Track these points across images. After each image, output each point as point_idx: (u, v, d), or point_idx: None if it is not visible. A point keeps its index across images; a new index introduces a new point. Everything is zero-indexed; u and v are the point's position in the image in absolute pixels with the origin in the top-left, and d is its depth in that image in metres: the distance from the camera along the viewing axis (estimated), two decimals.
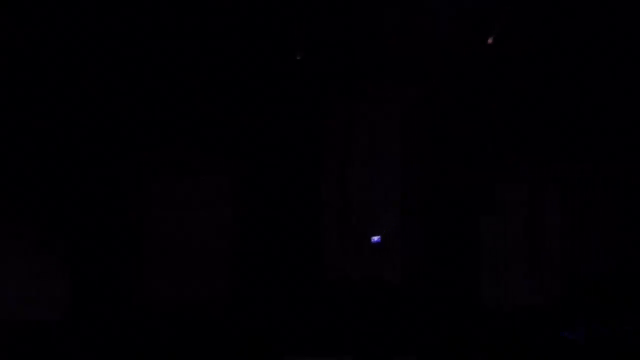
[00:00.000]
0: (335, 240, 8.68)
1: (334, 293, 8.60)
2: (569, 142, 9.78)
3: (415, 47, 9.30)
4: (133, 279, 8.53)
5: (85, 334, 8.41)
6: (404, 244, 8.65)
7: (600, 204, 9.51)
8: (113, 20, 10.86)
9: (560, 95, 10.07)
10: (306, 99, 9.19)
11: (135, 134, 9.53)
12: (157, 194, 8.62)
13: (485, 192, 9.06)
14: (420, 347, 8.07)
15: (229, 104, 9.46)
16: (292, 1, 9.29)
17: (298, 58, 8.98)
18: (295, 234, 8.69)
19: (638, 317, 8.84)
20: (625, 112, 10.61)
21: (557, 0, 10.97)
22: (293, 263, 8.64)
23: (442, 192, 9.11)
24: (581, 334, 8.39)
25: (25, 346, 8.60)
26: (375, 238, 8.78)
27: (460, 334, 8.43)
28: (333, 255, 8.64)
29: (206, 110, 9.49)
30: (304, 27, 9.17)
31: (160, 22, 10.70)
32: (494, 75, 9.74)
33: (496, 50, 9.67)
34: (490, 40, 9.48)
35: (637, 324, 8.66)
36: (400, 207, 8.78)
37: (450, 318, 8.58)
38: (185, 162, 8.93)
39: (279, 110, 9.25)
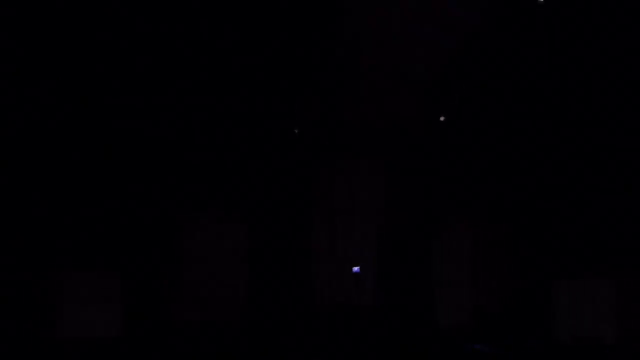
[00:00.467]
0: (324, 272, 11.01)
1: (323, 311, 10.87)
2: (489, 203, 12.00)
3: (378, 131, 11.60)
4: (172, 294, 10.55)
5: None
6: (376, 276, 10.95)
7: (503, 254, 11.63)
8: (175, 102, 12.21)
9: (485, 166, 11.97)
10: (300, 167, 11.32)
11: (181, 198, 11.35)
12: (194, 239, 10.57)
13: (429, 239, 11.33)
14: (386, 349, 9.88)
15: (251, 175, 11.40)
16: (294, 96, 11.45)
17: (296, 131, 11.01)
18: (292, 266, 10.96)
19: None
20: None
21: (498, 90, 12.45)
22: (291, 288, 10.87)
23: (402, 238, 11.38)
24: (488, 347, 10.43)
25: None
26: (356, 268, 11.01)
27: (412, 339, 10.49)
28: (322, 283, 10.96)
29: (233, 180, 11.43)
30: (302, 113, 11.29)
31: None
32: (441, 148, 11.82)
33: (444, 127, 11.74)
34: (442, 118, 11.70)
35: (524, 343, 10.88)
36: (377, 246, 11.06)
37: (406, 327, 10.84)
38: (216, 214, 10.97)
39: (281, 174, 11.30)
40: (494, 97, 12.83)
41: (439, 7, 11.52)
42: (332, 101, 11.78)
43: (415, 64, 12.10)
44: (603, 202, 12.94)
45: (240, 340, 10.75)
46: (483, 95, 12.74)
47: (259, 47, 12.01)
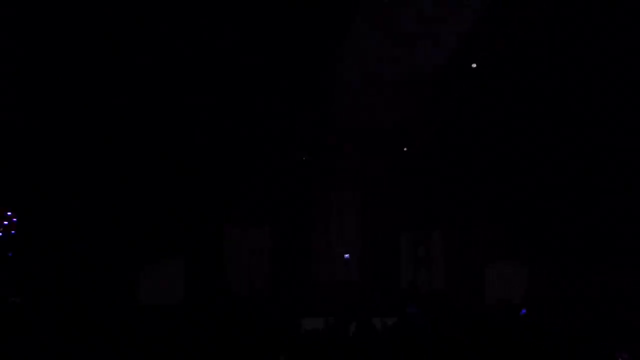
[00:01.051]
0: (323, 259, 15.02)
1: (321, 284, 14.87)
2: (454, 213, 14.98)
3: (359, 170, 15.48)
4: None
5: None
6: (360, 260, 14.95)
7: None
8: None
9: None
10: (306, 191, 15.35)
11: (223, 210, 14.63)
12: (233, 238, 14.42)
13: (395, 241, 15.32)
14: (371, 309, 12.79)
15: (274, 196, 14.86)
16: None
17: (304, 159, 14.57)
18: (301, 256, 15.05)
19: None
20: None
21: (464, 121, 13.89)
22: (301, 270, 14.94)
23: (377, 238, 15.38)
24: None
25: None
26: (347, 256, 14.92)
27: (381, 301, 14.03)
28: (322, 266, 14.93)
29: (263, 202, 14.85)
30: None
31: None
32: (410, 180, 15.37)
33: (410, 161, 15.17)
34: (405, 149, 15.03)
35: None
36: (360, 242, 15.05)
37: (378, 295, 14.52)
38: (247, 220, 14.72)
39: (292, 197, 15.07)
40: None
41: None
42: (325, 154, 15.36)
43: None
44: None
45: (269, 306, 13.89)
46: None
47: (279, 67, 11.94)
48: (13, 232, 14.67)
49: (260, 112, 13.95)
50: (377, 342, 10.02)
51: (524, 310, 12.81)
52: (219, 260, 14.81)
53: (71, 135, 13.06)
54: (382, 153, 15.46)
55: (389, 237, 15.60)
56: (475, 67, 12.83)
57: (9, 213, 14.59)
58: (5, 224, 14.73)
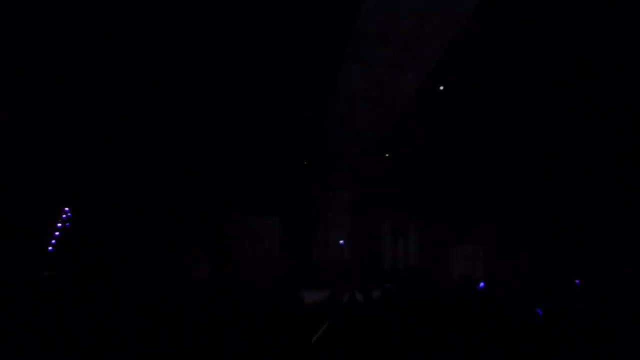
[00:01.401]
0: (320, 246, 15.82)
1: (321, 266, 15.72)
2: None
3: (350, 174, 16.24)
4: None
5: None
6: (351, 247, 15.74)
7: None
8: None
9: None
10: (307, 190, 15.98)
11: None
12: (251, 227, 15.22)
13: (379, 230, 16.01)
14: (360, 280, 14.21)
15: (283, 194, 15.51)
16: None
17: (305, 163, 15.43)
18: (303, 241, 15.80)
19: None
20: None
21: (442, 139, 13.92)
22: (303, 254, 15.64)
23: (364, 228, 16.05)
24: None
25: None
26: (341, 242, 15.88)
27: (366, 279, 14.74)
28: (319, 251, 15.73)
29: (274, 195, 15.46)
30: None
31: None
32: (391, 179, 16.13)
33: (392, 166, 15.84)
34: (386, 155, 15.67)
35: None
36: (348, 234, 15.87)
37: (366, 271, 15.18)
38: (262, 212, 15.48)
39: (296, 196, 15.73)
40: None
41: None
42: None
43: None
44: None
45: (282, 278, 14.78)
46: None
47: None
48: (67, 224, 13.88)
49: (268, 115, 13.60)
50: (362, 308, 10.39)
51: (482, 284, 13.06)
52: (240, 244, 15.51)
53: (73, 134, 12.23)
54: (371, 158, 16.16)
55: (374, 227, 16.34)
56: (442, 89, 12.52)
57: (66, 208, 13.85)
58: (64, 218, 13.85)
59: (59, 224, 13.64)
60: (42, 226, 13.24)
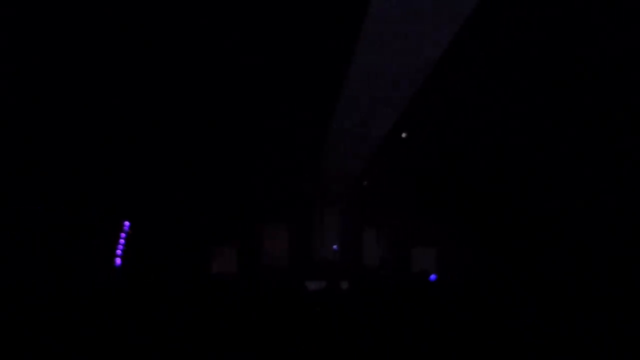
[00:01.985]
0: (318, 248, 17.46)
1: (316, 263, 17.02)
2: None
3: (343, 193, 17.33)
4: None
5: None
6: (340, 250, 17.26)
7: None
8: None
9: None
10: (307, 207, 17.29)
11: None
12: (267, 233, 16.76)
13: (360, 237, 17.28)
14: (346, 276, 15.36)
15: (286, 207, 16.63)
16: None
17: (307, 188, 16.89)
18: (305, 244, 17.14)
19: None
20: None
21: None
22: (305, 253, 17.00)
23: (349, 235, 17.41)
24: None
25: None
26: (335, 247, 17.43)
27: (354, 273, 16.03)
28: (317, 252, 17.39)
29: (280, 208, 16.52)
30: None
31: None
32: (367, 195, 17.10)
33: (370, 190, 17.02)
34: (365, 183, 16.86)
35: None
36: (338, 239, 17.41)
37: (351, 268, 16.51)
38: (273, 220, 16.88)
39: (300, 209, 16.96)
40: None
41: None
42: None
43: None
44: None
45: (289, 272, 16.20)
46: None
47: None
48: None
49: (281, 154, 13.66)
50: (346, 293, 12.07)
51: (434, 276, 13.91)
52: (258, 245, 16.65)
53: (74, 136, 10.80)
54: (355, 183, 16.78)
55: (356, 233, 17.51)
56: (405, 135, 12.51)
57: (126, 222, 13.51)
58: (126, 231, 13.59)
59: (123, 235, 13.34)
60: (109, 238, 12.87)
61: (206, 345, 6.80)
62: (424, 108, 10.80)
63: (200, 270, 14.93)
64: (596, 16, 7.22)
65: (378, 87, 9.59)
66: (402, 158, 14.08)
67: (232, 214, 15.89)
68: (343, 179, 16.08)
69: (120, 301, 9.23)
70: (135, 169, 12.39)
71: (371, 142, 12.91)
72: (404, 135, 12.68)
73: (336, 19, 7.77)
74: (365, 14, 7.19)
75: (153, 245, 13.82)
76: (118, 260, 12.77)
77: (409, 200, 15.99)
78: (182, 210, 14.44)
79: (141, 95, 9.93)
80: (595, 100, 8.96)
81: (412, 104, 10.43)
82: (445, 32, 7.63)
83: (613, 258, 9.07)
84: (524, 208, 11.83)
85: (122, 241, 13.04)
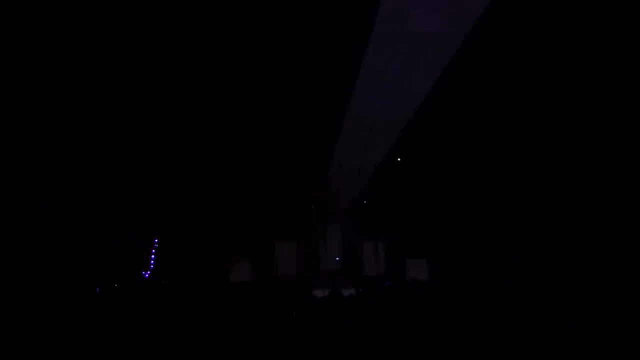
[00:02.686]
0: (322, 259, 17.99)
1: (324, 271, 17.48)
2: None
3: (341, 208, 18.04)
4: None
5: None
6: (342, 260, 17.73)
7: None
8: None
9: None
10: (314, 224, 17.93)
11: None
12: (278, 247, 17.28)
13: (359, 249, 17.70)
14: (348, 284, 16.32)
15: (296, 226, 17.18)
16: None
17: (312, 207, 17.73)
18: (312, 256, 17.63)
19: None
20: None
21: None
22: (312, 263, 17.50)
23: (350, 248, 17.82)
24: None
25: None
26: (337, 258, 17.83)
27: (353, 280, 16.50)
28: (323, 262, 17.74)
29: (290, 228, 17.10)
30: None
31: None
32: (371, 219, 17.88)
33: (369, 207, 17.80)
34: (365, 202, 17.60)
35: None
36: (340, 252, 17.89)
37: (354, 277, 16.95)
38: (285, 237, 17.43)
39: (308, 226, 17.59)
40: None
41: None
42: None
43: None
44: None
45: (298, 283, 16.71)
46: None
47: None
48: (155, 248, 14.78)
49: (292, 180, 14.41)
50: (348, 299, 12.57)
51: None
52: (271, 258, 17.02)
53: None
54: (354, 203, 17.47)
55: (356, 246, 17.94)
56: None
57: (156, 240, 14.55)
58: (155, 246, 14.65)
59: (153, 251, 14.40)
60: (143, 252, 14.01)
61: (223, 344, 6.76)
62: (417, 136, 11.19)
63: (221, 278, 15.38)
64: (599, 17, 6.87)
65: (373, 122, 10.25)
66: (397, 179, 14.62)
67: (252, 233, 16.25)
68: (345, 199, 16.50)
69: (149, 303, 9.50)
70: (166, 194, 13.13)
71: (369, 166, 13.39)
72: (398, 159, 13.23)
73: (328, 77, 8.21)
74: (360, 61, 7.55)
75: (180, 257, 14.50)
76: (146, 272, 13.72)
77: (403, 216, 16.32)
78: (207, 229, 15.13)
79: (166, 122, 10.03)
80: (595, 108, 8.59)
81: (405, 133, 10.92)
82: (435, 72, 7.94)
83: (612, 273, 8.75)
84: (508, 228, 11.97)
85: (152, 256, 14.04)
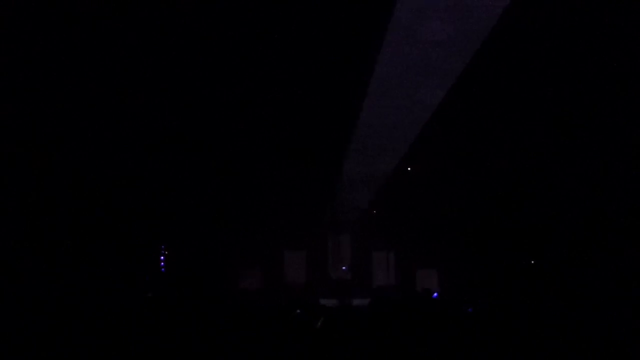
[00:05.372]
0: (332, 268, 17.80)
1: (333, 281, 17.29)
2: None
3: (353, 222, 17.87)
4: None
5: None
6: (351, 269, 17.51)
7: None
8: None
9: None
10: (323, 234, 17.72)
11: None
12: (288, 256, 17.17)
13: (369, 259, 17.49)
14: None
15: (306, 237, 16.92)
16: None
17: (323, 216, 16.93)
18: (320, 266, 17.56)
19: None
20: None
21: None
22: (321, 273, 17.38)
23: (360, 258, 17.54)
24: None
25: None
26: (344, 268, 17.73)
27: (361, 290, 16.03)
28: (332, 272, 17.29)
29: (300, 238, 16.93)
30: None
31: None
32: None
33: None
34: (374, 211, 17.37)
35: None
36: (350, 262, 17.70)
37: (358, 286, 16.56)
38: (296, 247, 17.28)
39: (318, 236, 17.32)
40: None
41: None
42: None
43: None
44: None
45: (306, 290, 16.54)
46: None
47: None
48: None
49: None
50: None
51: (436, 294, 14.25)
52: (281, 267, 17.20)
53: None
54: (363, 214, 17.28)
55: (366, 257, 17.78)
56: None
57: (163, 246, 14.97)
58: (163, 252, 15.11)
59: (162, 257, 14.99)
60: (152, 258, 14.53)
61: (232, 349, 6.70)
62: (428, 146, 11.21)
63: (230, 286, 15.62)
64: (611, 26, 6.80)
65: (384, 132, 10.00)
66: (407, 189, 14.64)
67: (263, 243, 16.37)
68: (355, 209, 16.29)
69: (161, 308, 9.59)
70: (176, 203, 13.25)
71: (380, 176, 13.16)
72: (409, 169, 13.31)
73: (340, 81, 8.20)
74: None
75: (193, 265, 14.91)
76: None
77: (414, 226, 16.26)
78: (219, 239, 15.51)
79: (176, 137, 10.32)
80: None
81: (415, 145, 10.83)
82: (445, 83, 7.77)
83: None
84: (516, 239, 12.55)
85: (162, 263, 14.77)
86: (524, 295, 11.36)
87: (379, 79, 7.58)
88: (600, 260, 10.30)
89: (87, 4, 6.57)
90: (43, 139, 9.37)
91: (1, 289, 9.43)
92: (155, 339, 6.68)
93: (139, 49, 7.60)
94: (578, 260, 10.93)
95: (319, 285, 16.63)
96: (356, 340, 7.24)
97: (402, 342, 7.20)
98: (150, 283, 13.63)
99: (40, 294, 9.43)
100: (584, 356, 5.81)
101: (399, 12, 5.85)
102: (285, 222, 16.42)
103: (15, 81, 7.81)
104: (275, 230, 16.49)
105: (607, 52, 7.17)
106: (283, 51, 7.66)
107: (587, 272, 10.39)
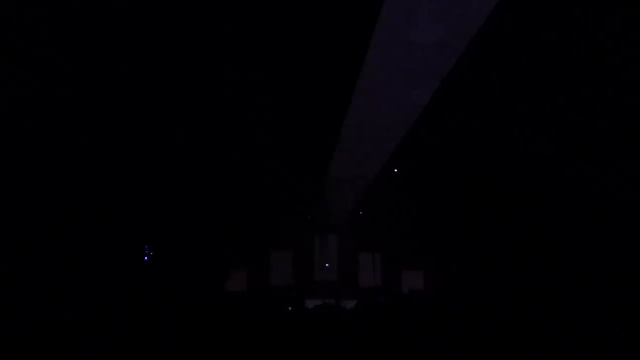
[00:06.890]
0: (317, 268, 17.47)
1: (317, 282, 17.05)
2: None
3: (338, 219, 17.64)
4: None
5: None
6: (337, 270, 17.37)
7: None
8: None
9: None
10: (309, 234, 17.54)
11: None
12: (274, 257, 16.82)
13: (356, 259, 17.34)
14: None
15: (291, 237, 16.86)
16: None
17: (309, 217, 17.39)
18: (306, 266, 17.26)
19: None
20: None
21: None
22: (306, 273, 17.16)
23: (347, 258, 17.43)
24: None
25: None
26: (327, 265, 17.56)
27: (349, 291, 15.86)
28: (317, 272, 17.24)
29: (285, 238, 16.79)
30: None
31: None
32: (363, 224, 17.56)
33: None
34: (361, 212, 17.31)
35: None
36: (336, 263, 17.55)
37: (345, 288, 16.45)
38: (282, 247, 17.05)
39: (303, 236, 17.23)
40: None
41: None
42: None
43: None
44: None
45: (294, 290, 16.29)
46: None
47: None
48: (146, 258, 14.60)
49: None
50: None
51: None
52: (267, 267, 16.89)
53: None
54: (350, 214, 17.19)
55: (353, 257, 17.61)
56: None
57: (146, 246, 14.53)
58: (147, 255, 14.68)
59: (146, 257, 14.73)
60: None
61: (217, 353, 6.80)
62: (415, 148, 11.07)
63: (218, 288, 15.38)
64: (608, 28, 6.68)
65: (371, 134, 9.80)
66: (394, 191, 14.83)
67: (249, 243, 16.15)
68: (342, 210, 16.28)
69: (145, 310, 9.49)
70: (161, 202, 12.91)
71: (367, 178, 13.04)
72: (395, 171, 13.51)
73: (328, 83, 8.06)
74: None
75: (176, 267, 14.53)
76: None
77: (400, 227, 16.22)
78: (204, 239, 15.19)
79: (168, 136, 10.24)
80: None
81: (402, 146, 10.57)
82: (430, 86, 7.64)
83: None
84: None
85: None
86: (512, 295, 11.19)
87: (367, 80, 7.39)
88: (587, 260, 10.35)
89: (87, 4, 6.58)
90: (42, 139, 9.36)
91: None
92: (141, 341, 6.62)
93: (130, 49, 7.47)
94: (566, 261, 10.89)
95: (305, 286, 16.33)
96: (344, 341, 7.24)
97: (390, 342, 7.27)
98: (134, 283, 13.20)
99: (24, 298, 9.36)
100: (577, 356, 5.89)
101: (386, 14, 5.70)
102: (272, 223, 16.34)
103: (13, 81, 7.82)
104: (262, 231, 16.30)
105: (600, 53, 7.00)
106: (269, 53, 7.63)
107: (575, 274, 10.35)
